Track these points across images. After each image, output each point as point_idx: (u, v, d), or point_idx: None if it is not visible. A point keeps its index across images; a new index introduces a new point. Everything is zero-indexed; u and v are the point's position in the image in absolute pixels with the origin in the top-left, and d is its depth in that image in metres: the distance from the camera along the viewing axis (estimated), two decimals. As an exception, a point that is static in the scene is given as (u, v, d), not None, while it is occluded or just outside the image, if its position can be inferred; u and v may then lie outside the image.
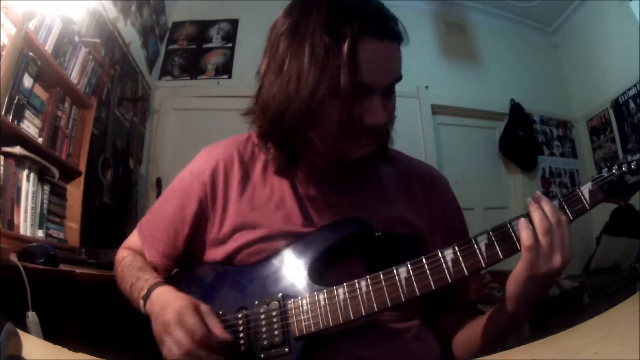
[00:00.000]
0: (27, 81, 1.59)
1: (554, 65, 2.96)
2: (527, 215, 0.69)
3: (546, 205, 0.69)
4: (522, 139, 2.80)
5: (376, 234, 0.79)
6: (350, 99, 0.71)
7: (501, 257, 0.68)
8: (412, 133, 2.65)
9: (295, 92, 0.72)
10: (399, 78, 0.77)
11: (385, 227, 0.81)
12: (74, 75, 1.89)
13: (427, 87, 2.75)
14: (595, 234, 2.49)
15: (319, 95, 0.71)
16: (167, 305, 0.73)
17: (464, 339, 0.82)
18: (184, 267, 0.89)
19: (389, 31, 0.73)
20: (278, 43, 0.76)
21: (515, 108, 2.81)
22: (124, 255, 0.92)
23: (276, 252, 0.80)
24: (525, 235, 0.67)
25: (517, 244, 0.68)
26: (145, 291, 0.79)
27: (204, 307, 0.73)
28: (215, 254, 0.83)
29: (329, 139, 0.76)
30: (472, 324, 0.81)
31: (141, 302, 0.79)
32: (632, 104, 2.50)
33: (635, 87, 2.46)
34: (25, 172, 1.57)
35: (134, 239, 0.93)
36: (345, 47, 0.70)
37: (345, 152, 0.78)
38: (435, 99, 2.77)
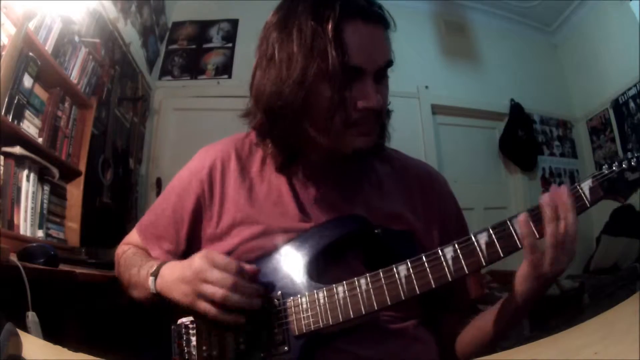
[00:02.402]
0: (27, 81, 1.59)
1: (554, 65, 2.96)
2: (530, 212, 0.68)
3: (560, 203, 0.67)
4: (522, 139, 2.79)
5: (375, 230, 0.79)
6: (340, 80, 0.72)
7: (501, 254, 0.68)
8: (412, 133, 2.65)
9: (287, 77, 0.74)
10: (390, 62, 0.78)
11: (383, 223, 0.81)
12: (74, 75, 1.89)
13: (427, 87, 2.75)
14: (595, 234, 2.49)
15: (309, 78, 0.72)
16: (188, 263, 0.74)
17: (467, 337, 0.82)
18: None
19: (374, 14, 0.75)
20: (268, 37, 0.78)
21: (515, 108, 2.81)
22: (124, 249, 0.93)
23: (274, 249, 0.80)
24: (527, 238, 0.66)
25: (518, 241, 0.68)
26: (154, 268, 0.79)
27: (218, 253, 0.74)
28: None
29: (324, 127, 0.76)
30: (473, 323, 0.81)
31: (151, 278, 0.78)
32: (632, 104, 2.49)
33: (635, 87, 2.46)
34: (25, 172, 1.56)
35: (133, 236, 0.93)
36: (330, 29, 0.71)
37: (342, 143, 0.78)
38: (435, 99, 2.77)
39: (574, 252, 0.67)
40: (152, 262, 0.83)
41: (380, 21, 0.76)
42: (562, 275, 0.69)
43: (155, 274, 0.78)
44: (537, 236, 0.67)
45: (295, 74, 0.73)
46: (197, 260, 0.73)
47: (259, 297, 0.73)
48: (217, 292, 0.70)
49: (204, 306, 0.71)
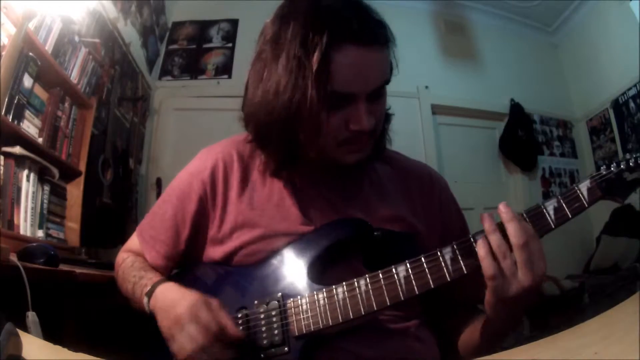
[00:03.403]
0: (27, 81, 1.59)
1: (554, 65, 2.96)
2: (484, 233, 0.68)
3: (509, 225, 0.66)
4: (522, 139, 2.79)
5: (375, 233, 0.79)
6: (320, 110, 0.72)
7: None
8: (412, 133, 2.65)
9: (275, 103, 0.74)
10: (385, 82, 0.77)
11: (383, 225, 0.81)
12: (74, 75, 1.89)
13: (427, 87, 2.75)
14: (595, 234, 2.50)
15: (294, 107, 0.72)
16: (178, 300, 0.73)
17: (468, 338, 0.82)
18: (183, 267, 0.89)
19: (368, 36, 0.72)
20: (262, 52, 0.78)
21: (515, 108, 2.81)
22: (124, 257, 0.92)
23: (275, 252, 0.80)
24: (485, 265, 0.65)
25: None
26: (148, 288, 0.79)
27: (215, 303, 0.72)
28: (214, 253, 0.83)
29: (315, 147, 0.77)
30: (472, 324, 0.81)
31: (145, 299, 0.78)
32: (632, 104, 2.49)
33: (635, 87, 2.46)
34: (25, 172, 1.56)
35: (134, 241, 0.93)
36: (315, 58, 0.70)
37: (336, 158, 0.79)
38: (435, 99, 2.77)
39: (541, 267, 0.65)
40: (146, 279, 0.82)
41: (376, 41, 0.74)
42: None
43: (149, 295, 0.78)
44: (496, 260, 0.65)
45: (281, 99, 0.73)
46: (183, 304, 0.71)
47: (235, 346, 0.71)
48: (186, 345, 0.69)
49: (174, 349, 0.71)
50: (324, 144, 0.76)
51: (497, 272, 0.65)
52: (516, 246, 0.65)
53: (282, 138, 0.78)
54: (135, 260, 0.89)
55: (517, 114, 2.81)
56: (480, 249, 0.66)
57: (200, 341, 0.68)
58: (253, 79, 0.79)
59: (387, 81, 0.78)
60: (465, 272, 0.68)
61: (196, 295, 0.73)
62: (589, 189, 0.69)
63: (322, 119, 0.73)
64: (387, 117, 0.85)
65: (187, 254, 0.87)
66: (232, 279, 0.81)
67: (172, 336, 0.71)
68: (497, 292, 0.66)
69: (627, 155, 0.70)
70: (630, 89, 2.49)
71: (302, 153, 0.80)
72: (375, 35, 0.73)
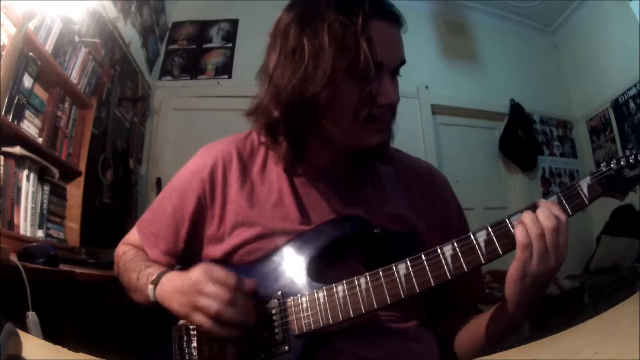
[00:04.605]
0: (27, 81, 1.59)
1: (554, 65, 2.96)
2: (527, 210, 0.68)
3: (544, 208, 0.68)
4: (522, 139, 2.79)
5: (375, 231, 0.79)
6: (370, 77, 0.72)
7: (500, 252, 0.68)
8: (412, 133, 2.65)
9: (314, 72, 0.73)
10: (404, 61, 0.80)
11: (384, 224, 0.81)
12: (74, 75, 1.89)
13: (427, 87, 2.75)
14: (595, 234, 2.49)
15: (340, 72, 0.72)
16: (187, 275, 0.73)
17: (465, 338, 0.82)
18: (184, 265, 0.89)
19: (394, 15, 0.77)
20: (287, 33, 0.76)
21: (515, 108, 2.81)
22: (124, 250, 0.92)
23: (275, 250, 0.80)
24: (519, 234, 0.66)
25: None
26: (154, 276, 0.79)
27: (218, 267, 0.73)
28: (214, 251, 0.83)
29: (344, 123, 0.76)
30: (472, 324, 0.81)
31: (150, 286, 0.78)
32: (632, 104, 2.49)
33: (635, 87, 2.46)
34: (25, 172, 1.56)
35: (133, 235, 0.93)
36: (359, 25, 0.72)
37: (358, 140, 0.78)
38: (435, 99, 2.77)
39: (564, 252, 0.66)
40: (152, 268, 0.82)
41: (398, 22, 0.78)
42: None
43: (155, 283, 0.78)
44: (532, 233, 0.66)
45: (324, 68, 0.72)
46: (195, 272, 0.72)
47: (255, 313, 0.72)
48: (211, 305, 0.69)
49: (199, 318, 0.71)
50: (355, 123, 0.76)
51: (528, 242, 0.65)
52: (547, 229, 0.66)
53: (310, 117, 0.76)
54: (137, 253, 0.90)
55: (517, 114, 2.81)
56: (521, 219, 0.67)
57: (223, 295, 0.69)
58: (279, 61, 0.77)
59: (405, 61, 0.80)
60: (466, 269, 0.68)
61: (201, 265, 0.74)
62: (589, 186, 0.70)
63: (370, 86, 0.73)
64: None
65: (186, 252, 0.87)
66: None
67: (192, 306, 0.71)
68: (524, 266, 0.66)
69: (627, 152, 0.70)
70: (630, 89, 2.49)
71: (320, 141, 0.80)
72: (397, 15, 0.78)
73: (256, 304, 0.73)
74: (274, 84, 0.78)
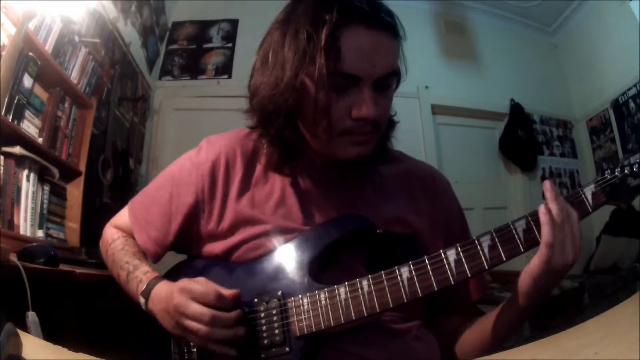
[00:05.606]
0: (27, 81, 1.59)
1: (554, 65, 2.96)
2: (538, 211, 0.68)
3: (558, 201, 0.68)
4: (522, 139, 2.79)
5: (377, 231, 0.79)
6: (328, 87, 0.71)
7: (504, 258, 0.68)
8: (412, 133, 2.65)
9: (280, 80, 0.73)
10: (394, 72, 0.75)
11: (386, 226, 0.80)
12: (74, 75, 1.89)
13: (427, 87, 2.75)
14: (595, 234, 2.49)
15: (299, 82, 0.72)
16: (169, 295, 0.73)
17: (469, 338, 0.82)
18: (183, 261, 0.89)
19: (378, 20, 0.72)
20: (270, 36, 0.78)
21: (515, 108, 2.81)
22: (113, 236, 0.91)
23: (275, 249, 0.80)
24: (546, 231, 0.66)
25: (521, 245, 0.68)
26: (144, 287, 0.78)
27: (200, 279, 0.73)
28: (214, 248, 0.83)
29: (315, 132, 0.76)
30: (478, 324, 0.81)
31: (142, 300, 0.78)
32: (632, 104, 2.49)
33: (635, 87, 2.46)
34: (25, 172, 1.56)
35: (123, 217, 0.92)
36: (323, 34, 0.70)
37: (335, 150, 0.77)
38: (435, 99, 2.77)
39: (580, 246, 0.67)
40: (140, 269, 0.82)
41: (386, 28, 0.73)
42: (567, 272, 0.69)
43: (146, 297, 0.78)
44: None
45: (286, 77, 0.73)
46: (175, 294, 0.72)
47: (242, 322, 0.72)
48: (199, 329, 0.69)
49: (192, 339, 0.72)
50: (325, 133, 0.74)
51: (555, 240, 0.66)
52: (567, 219, 0.67)
53: (285, 125, 0.77)
54: (125, 242, 0.88)
55: (517, 114, 2.81)
56: (543, 215, 0.67)
57: (207, 314, 0.69)
58: (260, 62, 0.79)
59: (396, 73, 0.76)
60: (469, 275, 0.68)
61: (181, 280, 0.74)
62: (593, 194, 0.70)
63: (328, 98, 0.72)
64: (391, 123, 0.85)
65: (174, 245, 0.86)
66: (232, 275, 0.81)
67: (182, 328, 0.71)
68: (547, 262, 0.66)
69: (631, 160, 0.70)
70: (630, 89, 2.49)
71: (304, 147, 0.80)
72: (385, 21, 0.73)
73: (239, 314, 0.72)
74: (251, 90, 0.80)
